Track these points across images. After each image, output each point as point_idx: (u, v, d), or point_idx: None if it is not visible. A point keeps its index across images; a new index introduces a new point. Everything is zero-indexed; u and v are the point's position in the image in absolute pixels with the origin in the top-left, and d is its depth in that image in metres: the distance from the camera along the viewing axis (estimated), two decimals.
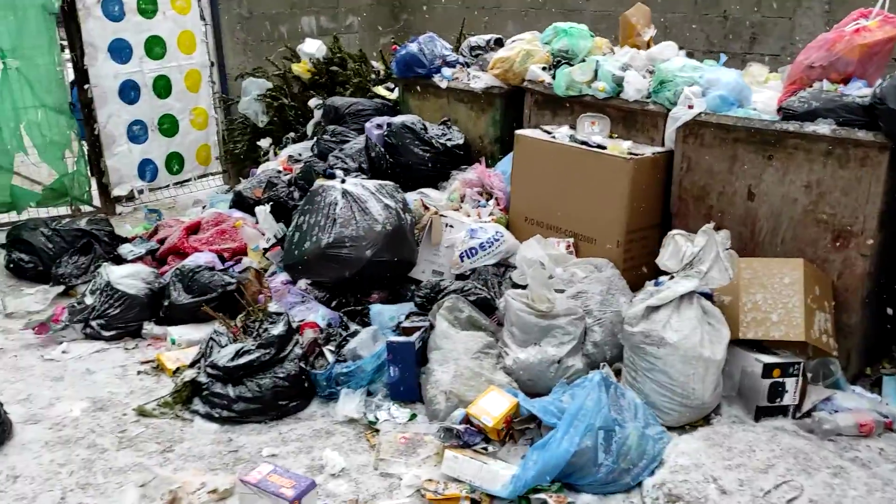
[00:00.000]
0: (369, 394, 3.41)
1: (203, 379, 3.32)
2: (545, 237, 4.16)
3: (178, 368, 3.62)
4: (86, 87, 5.98)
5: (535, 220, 4.29)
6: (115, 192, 6.35)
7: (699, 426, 3.14)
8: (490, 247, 4.11)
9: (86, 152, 6.12)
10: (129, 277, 4.06)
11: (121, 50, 6.12)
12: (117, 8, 6.03)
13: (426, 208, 4.48)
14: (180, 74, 6.59)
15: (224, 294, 4.01)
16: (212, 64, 6.82)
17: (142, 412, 3.28)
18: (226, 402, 3.23)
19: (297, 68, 6.40)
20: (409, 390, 3.38)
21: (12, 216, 5.85)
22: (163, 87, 6.47)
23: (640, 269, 4.00)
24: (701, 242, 3.12)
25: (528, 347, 3.43)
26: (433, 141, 4.81)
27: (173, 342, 3.84)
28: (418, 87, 5.33)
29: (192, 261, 4.36)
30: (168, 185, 6.76)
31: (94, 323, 3.93)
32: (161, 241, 4.92)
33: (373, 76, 6.24)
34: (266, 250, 4.49)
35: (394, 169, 4.83)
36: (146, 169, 6.52)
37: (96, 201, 6.30)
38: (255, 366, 3.28)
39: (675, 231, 3.25)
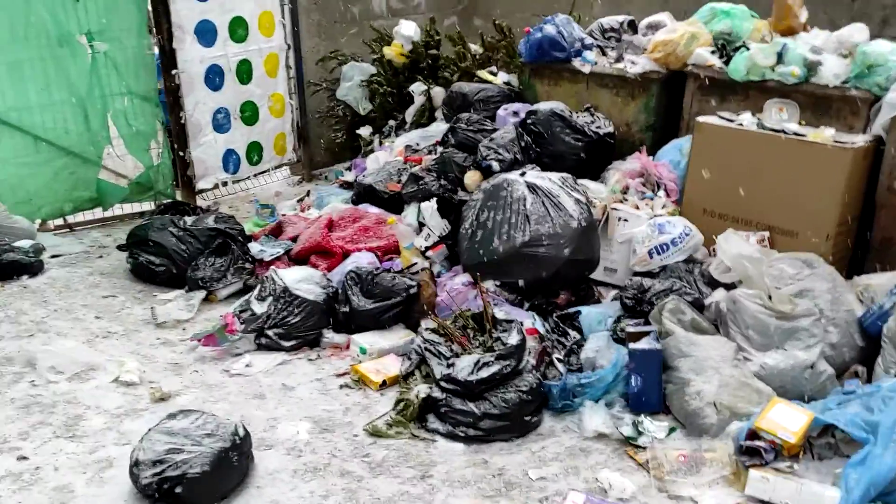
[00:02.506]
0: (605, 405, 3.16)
1: (437, 394, 3.03)
2: (727, 229, 3.95)
3: (383, 381, 3.32)
4: (173, 72, 5.54)
5: (716, 213, 4.06)
6: (200, 184, 5.93)
7: None
8: (681, 242, 3.88)
9: (171, 143, 5.69)
10: (304, 282, 3.72)
11: (206, 32, 5.68)
12: None
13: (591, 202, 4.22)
14: (260, 58, 6.18)
15: (408, 298, 3.71)
16: (288, 47, 6.42)
17: (376, 432, 2.98)
18: (471, 420, 2.95)
19: (389, 52, 6.06)
20: (652, 401, 3.14)
21: (97, 213, 5.45)
22: (245, 72, 6.05)
23: (842, 262, 3.83)
24: None
25: (770, 352, 3.21)
26: (585, 129, 4.54)
27: (363, 352, 3.53)
28: (548, 72, 5.04)
29: (354, 261, 4.04)
30: (248, 177, 6.36)
31: (271, 332, 3.60)
32: (293, 239, 4.57)
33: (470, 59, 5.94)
34: (427, 249, 4.18)
35: (540, 159, 4.55)
36: (230, 160, 6.11)
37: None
38: (497, 379, 3.00)
39: None
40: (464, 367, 3.02)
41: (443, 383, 3.04)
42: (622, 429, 3.02)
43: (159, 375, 3.34)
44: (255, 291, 3.79)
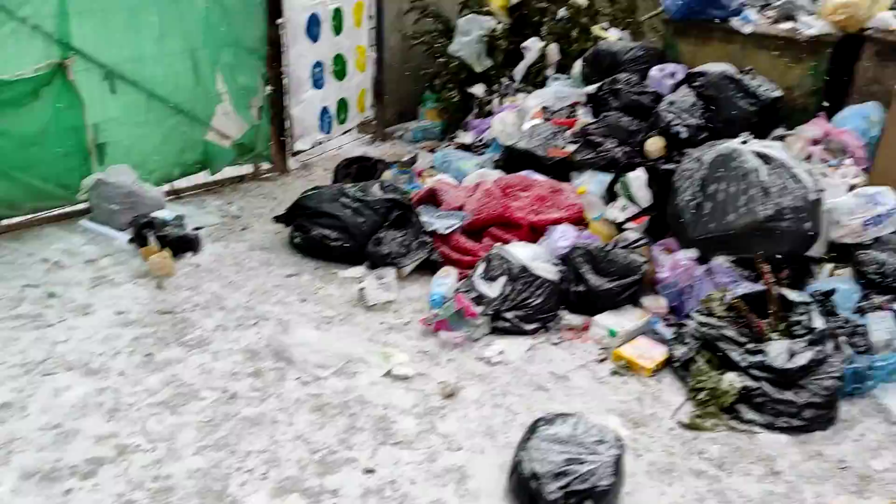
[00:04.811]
0: None
1: (750, 383, 2.87)
2: None
3: (655, 367, 3.14)
4: (279, 21, 5.03)
5: None
6: (298, 145, 5.49)
7: None
8: (894, 214, 3.81)
9: (270, 100, 5.20)
10: (538, 260, 3.46)
11: None
12: None
13: None
14: (350, 6, 5.72)
15: (642, 276, 3.51)
16: None
17: (693, 426, 2.81)
18: (794, 410, 2.81)
19: (494, 2, 5.70)
20: None
21: (199, 178, 4.94)
22: (338, 21, 5.59)
23: None
24: None
25: None
26: (757, 92, 4.38)
27: (613, 334, 3.32)
28: (695, 31, 4.83)
29: (562, 235, 3.79)
30: (335, 137, 5.93)
31: (510, 315, 3.34)
32: (458, 209, 4.25)
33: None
34: (625, 221, 3.97)
35: (712, 124, 4.38)
36: (324, 118, 5.67)
37: None
38: (812, 366, 2.87)
39: None
40: (778, 354, 2.87)
41: (754, 371, 2.88)
42: None
43: (418, 366, 3.04)
44: (479, 270, 3.50)
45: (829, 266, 3.84)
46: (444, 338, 3.26)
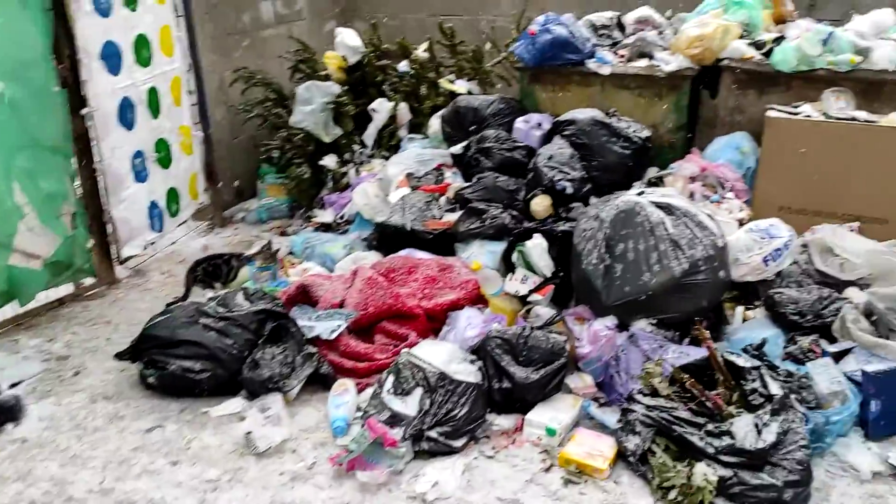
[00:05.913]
0: None
1: (724, 472, 2.54)
2: (809, 224, 3.89)
3: (609, 465, 2.75)
4: (84, 111, 4.25)
5: (793, 209, 3.99)
6: (126, 251, 4.67)
7: None
8: (790, 246, 3.72)
9: (84, 203, 4.38)
10: (454, 361, 2.97)
11: (112, 56, 4.46)
12: None
13: None
14: (166, 84, 5.02)
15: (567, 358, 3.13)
16: (189, 67, 5.28)
17: None
18: (774, 495, 2.51)
19: (330, 64, 5.24)
20: (890, 424, 2.93)
21: (6, 311, 4.02)
22: (154, 102, 4.87)
23: None
24: None
25: None
26: (630, 135, 4.21)
27: (552, 433, 2.90)
28: (552, 77, 4.64)
29: (468, 323, 3.34)
30: (168, 233, 5.15)
31: (434, 433, 2.82)
32: (339, 306, 3.69)
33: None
34: (529, 293, 3.60)
35: (589, 173, 4.16)
36: (154, 214, 4.90)
37: None
38: (779, 439, 2.59)
39: None
40: (746, 432, 2.57)
41: (724, 457, 2.56)
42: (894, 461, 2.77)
43: None
44: (388, 385, 2.96)
45: (740, 309, 3.67)
46: (364, 479, 2.69)
